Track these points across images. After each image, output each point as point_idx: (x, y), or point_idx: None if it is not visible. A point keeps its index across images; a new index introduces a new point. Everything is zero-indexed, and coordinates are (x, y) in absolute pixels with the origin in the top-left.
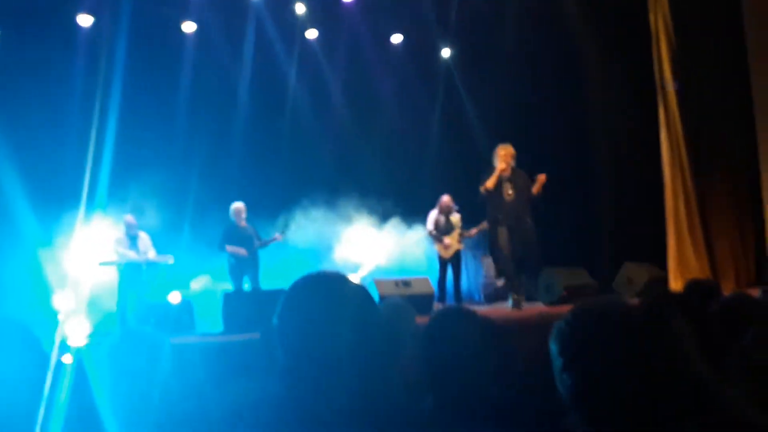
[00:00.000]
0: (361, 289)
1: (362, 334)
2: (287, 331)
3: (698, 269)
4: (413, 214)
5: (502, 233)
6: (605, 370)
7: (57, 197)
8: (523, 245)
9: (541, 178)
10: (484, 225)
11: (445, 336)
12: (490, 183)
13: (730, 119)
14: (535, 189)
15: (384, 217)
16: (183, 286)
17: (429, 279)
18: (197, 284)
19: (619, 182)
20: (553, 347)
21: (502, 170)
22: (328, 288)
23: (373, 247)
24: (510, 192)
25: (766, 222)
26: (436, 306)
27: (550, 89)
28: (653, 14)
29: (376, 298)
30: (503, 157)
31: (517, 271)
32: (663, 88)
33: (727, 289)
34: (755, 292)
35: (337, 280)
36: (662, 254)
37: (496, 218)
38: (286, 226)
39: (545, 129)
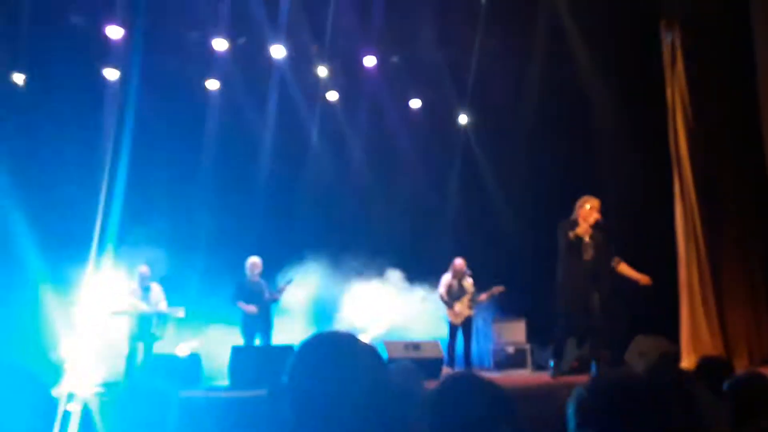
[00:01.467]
0: (371, 350)
1: (372, 395)
2: (297, 389)
3: (711, 344)
4: (428, 276)
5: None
6: None
7: (69, 243)
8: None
9: (497, 290)
10: (495, 290)
11: (454, 402)
12: (581, 230)
13: (744, 194)
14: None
15: (399, 279)
16: (193, 337)
17: (439, 343)
18: (188, 346)
19: (633, 253)
20: (571, 408)
21: (593, 222)
22: (340, 347)
23: (385, 309)
24: (590, 251)
25: None
26: (445, 371)
27: (566, 158)
28: (670, 88)
29: (385, 359)
30: (593, 210)
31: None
32: (678, 160)
33: (740, 366)
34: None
35: (349, 339)
36: (675, 328)
37: (571, 277)
38: (290, 279)
39: (560, 197)
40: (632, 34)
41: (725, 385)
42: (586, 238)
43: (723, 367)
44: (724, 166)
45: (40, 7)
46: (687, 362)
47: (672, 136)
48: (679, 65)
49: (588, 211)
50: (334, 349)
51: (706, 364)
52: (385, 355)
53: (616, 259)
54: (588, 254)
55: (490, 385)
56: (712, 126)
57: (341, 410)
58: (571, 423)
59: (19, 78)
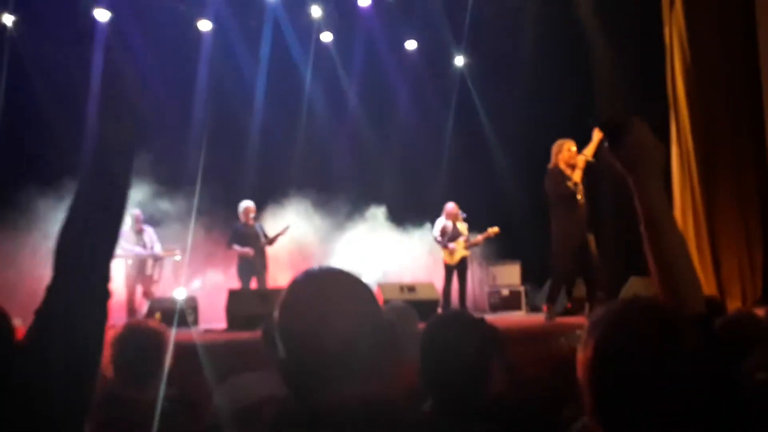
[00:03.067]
0: (363, 287)
1: (363, 331)
2: (287, 324)
3: (705, 285)
4: (423, 220)
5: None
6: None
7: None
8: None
9: (492, 231)
10: (490, 232)
11: (442, 339)
12: (576, 176)
13: (741, 137)
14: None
15: (395, 221)
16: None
17: (434, 284)
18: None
19: (627, 196)
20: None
21: (583, 165)
22: (330, 283)
23: (380, 252)
24: (581, 197)
25: None
26: (440, 311)
27: (562, 99)
28: (668, 27)
29: (380, 301)
30: (574, 152)
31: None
32: (675, 101)
33: (733, 307)
34: (761, 312)
35: (339, 276)
36: None
37: (568, 225)
38: (286, 226)
39: (553, 139)
40: None
41: (716, 324)
42: (579, 184)
43: (715, 307)
44: (721, 109)
45: None
46: None
47: (669, 77)
48: (678, 4)
49: (571, 153)
50: (324, 284)
51: None
52: (379, 296)
53: None
54: (581, 199)
55: (478, 323)
56: (710, 67)
57: (332, 345)
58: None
59: (8, 19)
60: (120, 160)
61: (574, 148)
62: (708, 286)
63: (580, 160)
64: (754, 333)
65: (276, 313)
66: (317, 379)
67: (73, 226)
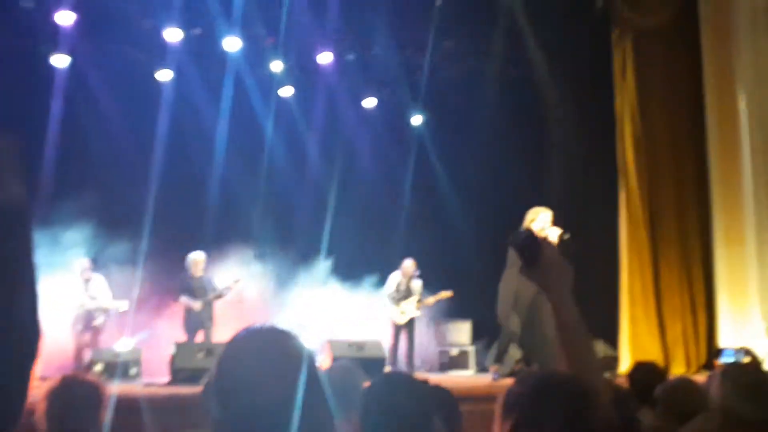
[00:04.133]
0: (300, 346)
1: (296, 391)
2: (223, 383)
3: (650, 350)
4: (377, 276)
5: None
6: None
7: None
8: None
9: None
10: (443, 295)
11: (384, 400)
12: None
13: (687, 207)
14: (433, 300)
15: (350, 276)
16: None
17: (382, 343)
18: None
19: (576, 259)
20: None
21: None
22: (267, 343)
23: (331, 308)
24: None
25: (716, 309)
26: (387, 370)
27: (518, 161)
28: (620, 97)
29: (329, 358)
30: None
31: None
32: (624, 170)
33: (678, 372)
34: (702, 378)
35: (277, 335)
36: (615, 333)
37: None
38: (236, 279)
39: (512, 200)
40: (586, 41)
41: (656, 391)
42: None
43: (655, 373)
44: (668, 178)
45: None
46: (625, 366)
47: (619, 147)
48: (629, 75)
49: (543, 225)
50: (261, 343)
51: (639, 369)
52: (329, 353)
53: None
54: None
55: (420, 383)
56: (658, 138)
57: (266, 405)
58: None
59: None
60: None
61: (549, 219)
62: (653, 351)
63: (555, 235)
64: (691, 401)
65: (213, 371)
66: None
67: None
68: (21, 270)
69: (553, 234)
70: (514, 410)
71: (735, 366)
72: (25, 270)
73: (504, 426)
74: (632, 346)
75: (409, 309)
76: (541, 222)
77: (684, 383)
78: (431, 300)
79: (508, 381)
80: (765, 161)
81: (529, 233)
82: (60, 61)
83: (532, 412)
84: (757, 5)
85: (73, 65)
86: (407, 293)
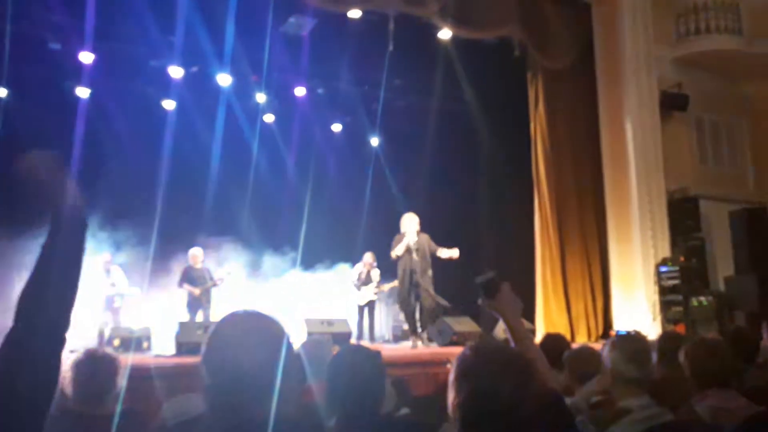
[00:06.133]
0: (276, 326)
1: (274, 362)
2: (212, 355)
3: (559, 324)
4: (344, 266)
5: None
6: (485, 387)
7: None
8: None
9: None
10: (395, 283)
11: (344, 368)
12: (400, 250)
13: (586, 209)
14: (387, 287)
15: (319, 269)
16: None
17: (348, 320)
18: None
19: (499, 251)
20: (455, 366)
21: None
22: (248, 323)
23: (306, 293)
24: (415, 256)
25: (610, 291)
26: (351, 342)
27: (455, 175)
28: (533, 123)
29: (305, 333)
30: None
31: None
32: (537, 180)
33: (581, 341)
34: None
35: (257, 317)
36: (532, 311)
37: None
38: (229, 271)
39: (447, 204)
40: (507, 80)
41: (564, 356)
42: (413, 245)
43: (562, 342)
44: (571, 186)
45: (25, 34)
46: (540, 338)
47: (534, 162)
48: (540, 106)
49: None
50: (243, 322)
51: (548, 339)
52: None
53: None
54: (415, 256)
55: (376, 353)
56: (563, 154)
57: (247, 372)
58: (452, 377)
59: (2, 92)
60: (77, 234)
61: (416, 222)
62: (561, 325)
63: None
64: (591, 364)
65: (203, 347)
66: (234, 402)
67: (34, 286)
68: (75, 270)
69: (413, 234)
70: (470, 376)
71: (623, 336)
72: (77, 270)
73: (460, 390)
74: (545, 320)
75: (369, 293)
76: (410, 224)
77: (585, 350)
78: (386, 287)
79: (448, 349)
80: (647, 175)
81: (490, 276)
82: (82, 92)
83: (489, 378)
84: (639, 51)
85: (93, 96)
86: (367, 280)
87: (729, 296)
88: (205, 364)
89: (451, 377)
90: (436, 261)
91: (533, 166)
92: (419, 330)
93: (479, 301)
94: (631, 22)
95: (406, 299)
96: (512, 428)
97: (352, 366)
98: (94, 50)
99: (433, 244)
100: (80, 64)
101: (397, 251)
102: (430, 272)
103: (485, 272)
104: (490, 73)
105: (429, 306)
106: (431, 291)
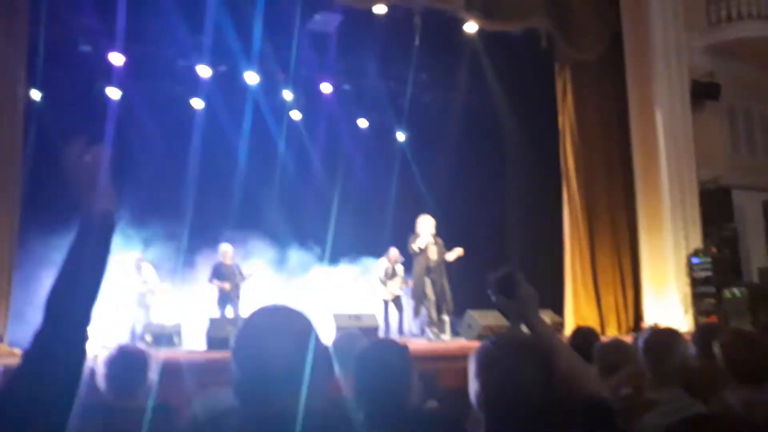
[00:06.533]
0: (305, 320)
1: (301, 355)
2: (242, 349)
3: (588, 317)
4: (370, 262)
5: (428, 284)
6: (509, 382)
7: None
8: (441, 293)
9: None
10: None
11: (375, 360)
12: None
13: (617, 203)
14: (453, 258)
15: (347, 265)
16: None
17: (375, 315)
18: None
19: (529, 245)
20: (473, 360)
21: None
22: (277, 317)
23: (335, 288)
24: (434, 255)
25: (641, 284)
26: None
27: (482, 171)
28: (561, 116)
29: (334, 328)
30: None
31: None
32: (566, 174)
33: (611, 334)
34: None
35: (285, 311)
36: (561, 304)
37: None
38: (259, 266)
39: (474, 199)
40: (534, 72)
41: (593, 349)
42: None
43: (591, 335)
44: (601, 180)
45: (57, 37)
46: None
47: (562, 155)
48: (569, 99)
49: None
50: (272, 317)
51: (578, 332)
52: (334, 323)
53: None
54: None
55: (403, 347)
56: (592, 146)
57: (276, 366)
58: (472, 370)
59: (36, 94)
60: (104, 236)
61: (431, 224)
62: (591, 318)
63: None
64: (620, 356)
65: (233, 340)
66: (263, 395)
67: (62, 285)
68: (99, 271)
69: (427, 236)
70: (491, 366)
71: (655, 329)
72: (102, 271)
73: (481, 381)
74: (574, 313)
75: (395, 288)
76: (424, 227)
77: (615, 342)
78: (410, 282)
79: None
80: (678, 165)
81: (506, 271)
82: (113, 93)
83: (509, 368)
84: (669, 39)
85: (123, 96)
86: (393, 275)
87: (763, 287)
88: (234, 358)
89: (472, 369)
90: (467, 258)
91: (561, 159)
92: (433, 321)
93: (493, 300)
94: (660, 9)
95: (421, 294)
96: (535, 418)
97: (380, 360)
98: (124, 52)
99: (444, 250)
100: (110, 65)
101: (416, 246)
102: (443, 270)
103: (502, 267)
104: (516, 66)
105: (443, 300)
106: (446, 285)
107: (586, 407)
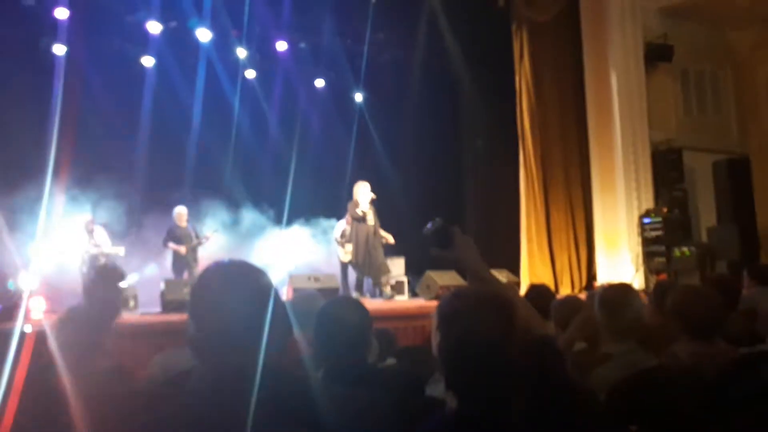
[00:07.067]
0: (261, 275)
1: (258, 311)
2: (198, 305)
3: (543, 276)
4: (327, 223)
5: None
6: (471, 333)
7: (26, 198)
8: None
9: (386, 239)
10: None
11: (333, 317)
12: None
13: (571, 162)
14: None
15: (303, 225)
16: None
17: (335, 276)
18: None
19: (485, 206)
20: (436, 313)
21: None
22: (233, 273)
23: (292, 249)
24: (372, 221)
25: (594, 244)
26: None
27: (438, 131)
28: (518, 76)
29: (292, 288)
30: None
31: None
32: (522, 134)
33: (565, 292)
34: (583, 296)
35: (242, 266)
36: (516, 263)
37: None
38: (215, 229)
39: (432, 159)
40: (491, 33)
41: (551, 306)
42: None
43: (547, 293)
44: (556, 140)
45: None
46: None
47: (518, 115)
48: (525, 59)
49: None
50: (227, 272)
51: (533, 290)
52: (291, 284)
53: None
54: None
55: (361, 305)
56: (548, 107)
57: (232, 321)
58: (435, 322)
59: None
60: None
61: (367, 189)
62: (546, 277)
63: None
64: (575, 313)
65: (189, 297)
66: (219, 351)
67: None
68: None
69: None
70: (454, 319)
71: (608, 285)
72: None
73: (442, 334)
74: (530, 273)
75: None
76: (363, 193)
77: (571, 299)
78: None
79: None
80: (631, 126)
81: (439, 224)
82: (59, 49)
83: (471, 320)
84: (624, 1)
85: (69, 53)
86: (351, 237)
87: (711, 246)
88: (191, 314)
89: (434, 323)
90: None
91: (518, 120)
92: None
93: (432, 252)
94: None
95: (364, 264)
96: (497, 370)
97: (339, 316)
98: (69, 6)
99: (377, 218)
100: (55, 20)
101: (359, 211)
102: (380, 233)
103: (433, 221)
104: (474, 27)
105: (378, 263)
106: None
107: (536, 345)
